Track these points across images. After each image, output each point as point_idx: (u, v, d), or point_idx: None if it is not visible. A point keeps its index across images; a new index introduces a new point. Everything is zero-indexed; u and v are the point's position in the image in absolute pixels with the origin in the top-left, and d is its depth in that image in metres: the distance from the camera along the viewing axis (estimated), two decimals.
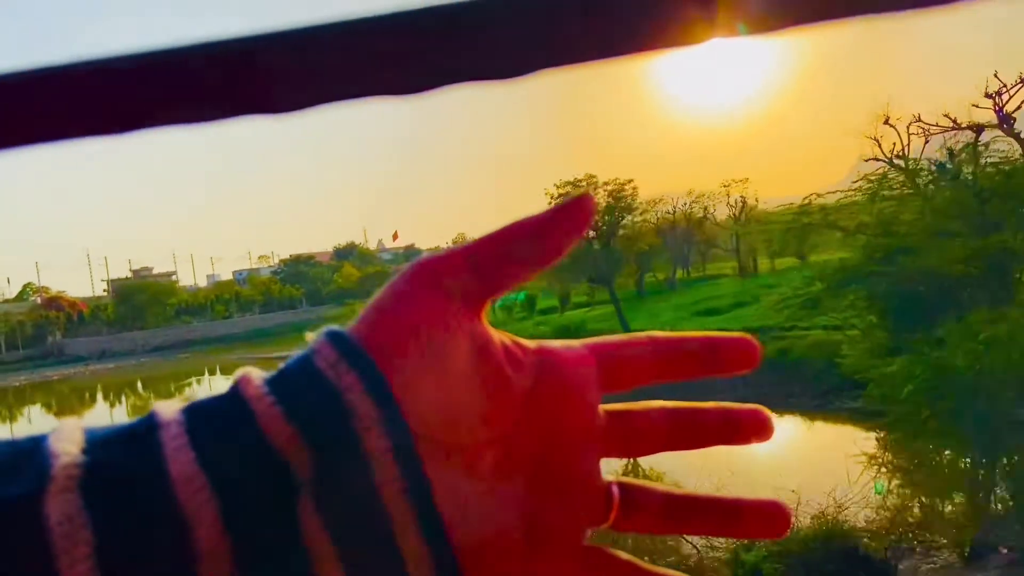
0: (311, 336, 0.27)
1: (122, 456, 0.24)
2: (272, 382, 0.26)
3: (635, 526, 0.30)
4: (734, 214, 31.29)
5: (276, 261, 64.98)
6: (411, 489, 0.25)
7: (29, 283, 67.56)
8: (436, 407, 0.26)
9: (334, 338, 0.26)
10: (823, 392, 14.65)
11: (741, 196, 31.07)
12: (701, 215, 30.62)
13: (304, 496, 0.24)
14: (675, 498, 0.31)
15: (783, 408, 14.31)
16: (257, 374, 0.26)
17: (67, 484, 0.23)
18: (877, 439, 10.94)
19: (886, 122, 13.21)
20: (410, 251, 61.51)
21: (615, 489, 0.30)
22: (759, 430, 0.31)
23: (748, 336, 0.31)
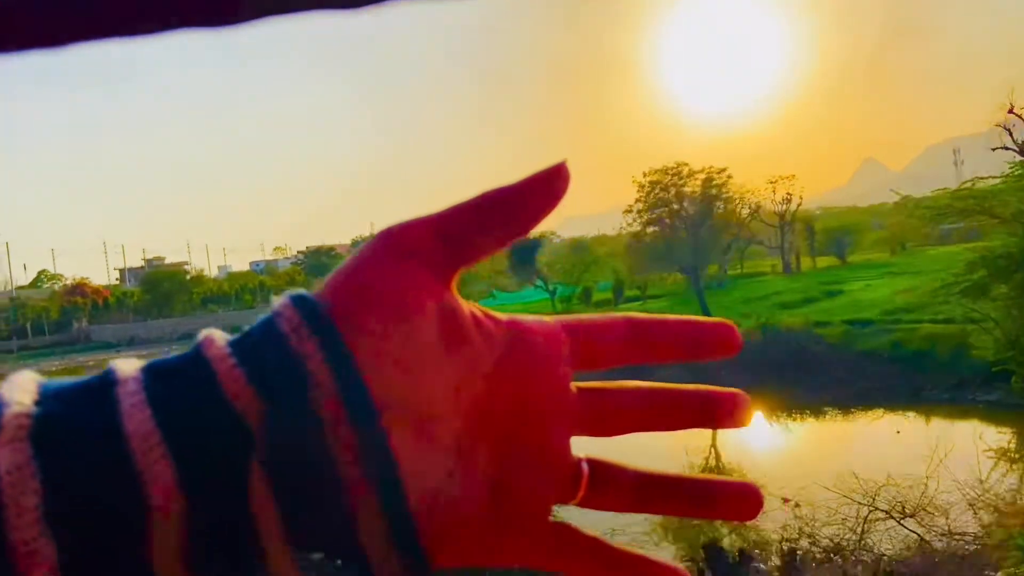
0: (276, 299, 0.26)
1: (76, 409, 0.24)
2: (235, 344, 0.25)
3: (604, 503, 0.30)
4: (780, 211, 31.04)
5: (293, 252, 64.55)
6: (370, 458, 0.24)
7: (44, 270, 67.71)
8: (401, 376, 0.26)
9: (298, 302, 0.26)
10: (955, 385, 14.29)
11: (787, 193, 30.84)
12: (748, 211, 30.32)
13: (256, 461, 0.23)
14: (646, 477, 0.30)
15: (915, 402, 13.98)
16: (220, 335, 0.26)
17: (17, 434, 0.23)
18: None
19: (1011, 111, 12.92)
20: None
21: (585, 466, 0.29)
22: (736, 415, 0.31)
23: (728, 321, 0.31)
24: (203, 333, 0.26)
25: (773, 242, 32.40)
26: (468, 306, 0.28)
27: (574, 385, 0.30)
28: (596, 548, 0.29)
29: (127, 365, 0.25)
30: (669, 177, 25.99)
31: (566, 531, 0.29)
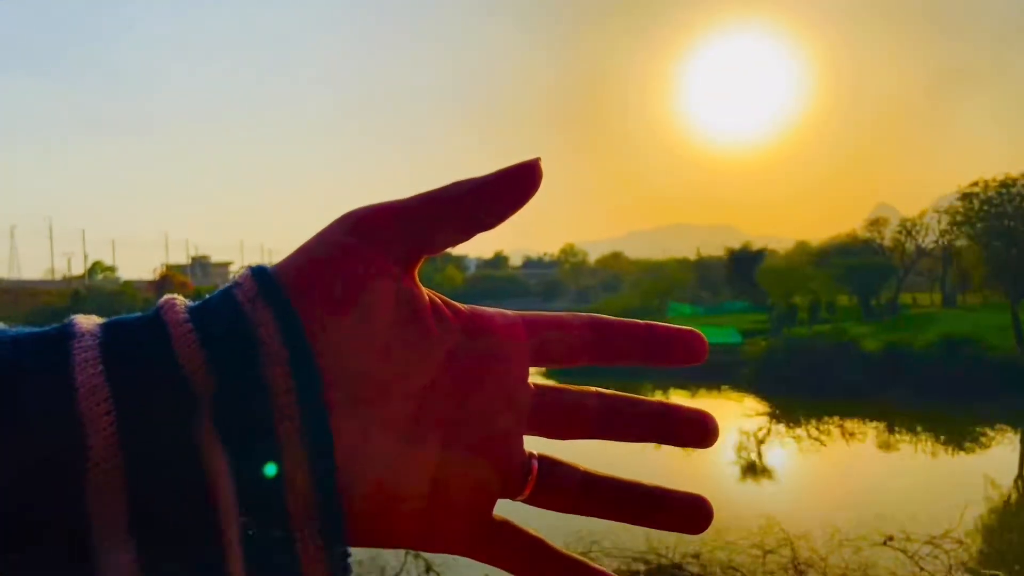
0: (237, 271, 0.27)
1: (29, 359, 0.23)
2: (193, 310, 0.25)
3: (551, 503, 0.30)
4: (944, 242, 29.57)
5: None
6: (308, 431, 0.24)
7: (98, 261, 66.35)
8: (351, 355, 0.26)
9: (256, 274, 0.26)
10: None
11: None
12: (908, 240, 28.83)
13: (206, 427, 0.24)
14: (596, 479, 0.30)
15: None
16: (182, 301, 0.26)
17: None
18: None
19: None
20: (498, 257, 59.65)
21: (535, 463, 0.29)
22: (700, 435, 0.30)
23: (696, 329, 0.30)
24: (165, 297, 0.26)
25: (935, 273, 30.89)
26: (428, 294, 0.28)
27: (532, 382, 0.30)
28: (535, 547, 0.29)
29: (86, 320, 0.25)
30: (1003, 189, 23.79)
31: (507, 527, 0.29)
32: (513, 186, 0.28)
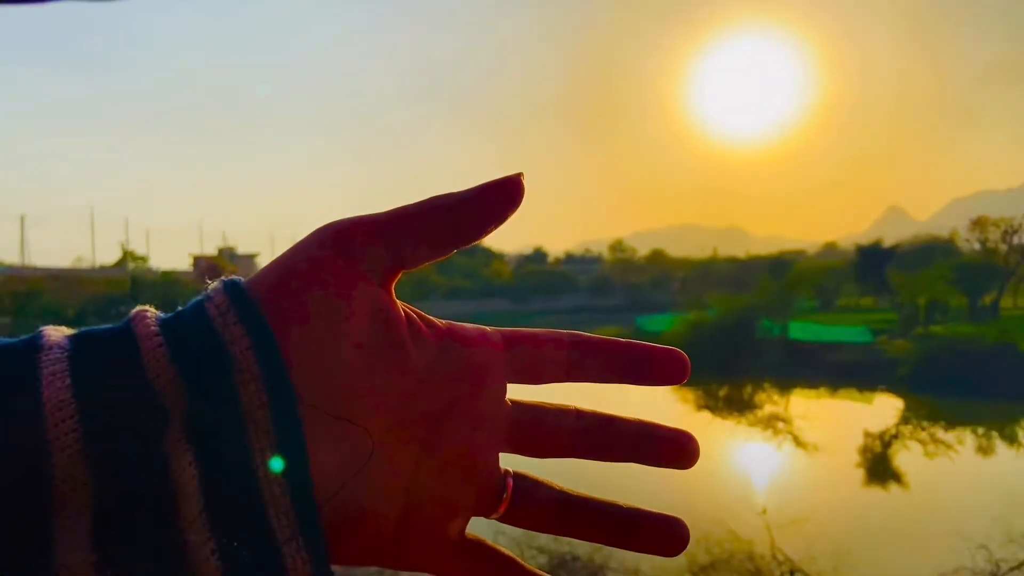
0: (211, 284, 0.26)
1: None
2: (164, 323, 0.25)
3: (526, 521, 0.30)
4: None
5: None
6: (283, 446, 0.24)
7: (129, 251, 65.70)
8: (325, 370, 0.26)
9: (229, 288, 0.26)
10: None
11: None
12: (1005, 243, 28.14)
13: (176, 443, 0.23)
14: (571, 499, 0.30)
15: None
16: (153, 312, 0.26)
17: None
18: None
19: None
20: (538, 253, 58.97)
21: (510, 481, 0.29)
22: (680, 456, 0.30)
23: (679, 350, 0.30)
24: (136, 309, 0.26)
25: None
26: (405, 309, 0.28)
27: (509, 399, 0.29)
28: (508, 567, 0.29)
29: (55, 332, 0.25)
30: None
31: (480, 547, 0.29)
32: (494, 202, 0.27)
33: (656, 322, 24.50)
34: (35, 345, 0.24)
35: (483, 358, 0.29)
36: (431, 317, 0.29)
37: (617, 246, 51.85)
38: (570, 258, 60.42)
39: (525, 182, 0.28)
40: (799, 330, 19.40)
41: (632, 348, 0.30)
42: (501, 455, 0.29)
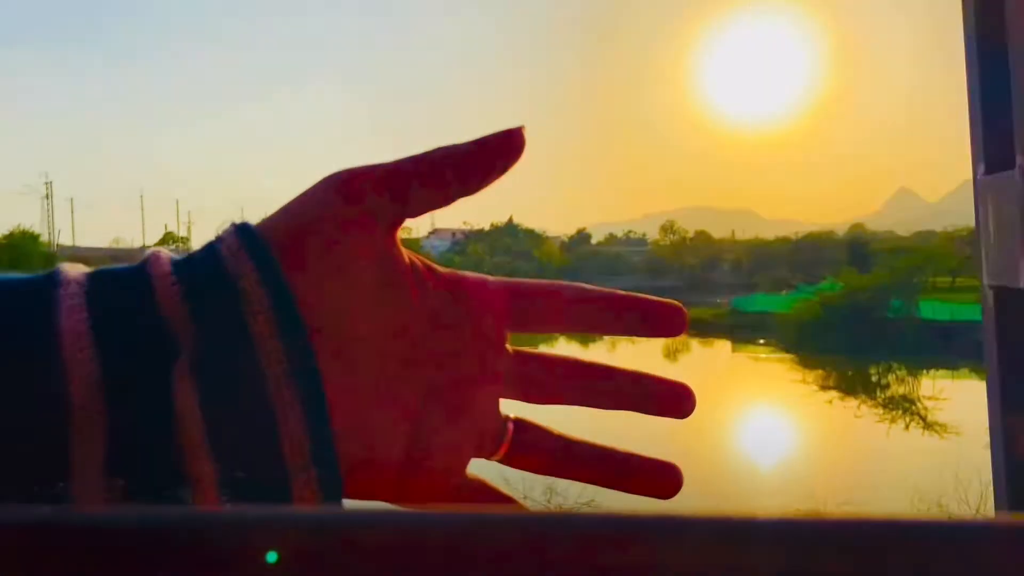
0: (222, 228, 0.27)
1: (15, 303, 0.24)
2: (177, 263, 0.26)
3: (525, 464, 0.31)
4: None
5: (456, 232, 62.45)
6: (297, 373, 0.24)
7: (170, 232, 66.06)
8: (332, 311, 0.26)
9: (240, 230, 0.26)
10: None
11: None
12: None
13: (183, 372, 0.24)
14: (568, 443, 0.31)
15: None
16: (167, 255, 0.26)
17: None
18: None
19: None
20: (582, 234, 58.98)
21: (510, 425, 0.30)
22: (676, 405, 0.31)
23: (678, 303, 0.31)
24: (151, 250, 0.26)
25: None
26: (410, 256, 0.29)
27: (511, 347, 0.30)
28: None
29: (73, 268, 0.25)
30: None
31: (480, 487, 0.30)
32: (496, 153, 0.28)
33: (757, 303, 24.52)
34: (54, 280, 0.24)
35: (486, 306, 0.29)
36: (436, 266, 0.30)
37: (668, 227, 51.81)
38: (616, 240, 60.44)
39: (526, 134, 0.28)
40: (930, 309, 19.36)
41: (634, 300, 0.31)
42: (502, 401, 0.30)
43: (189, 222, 72.81)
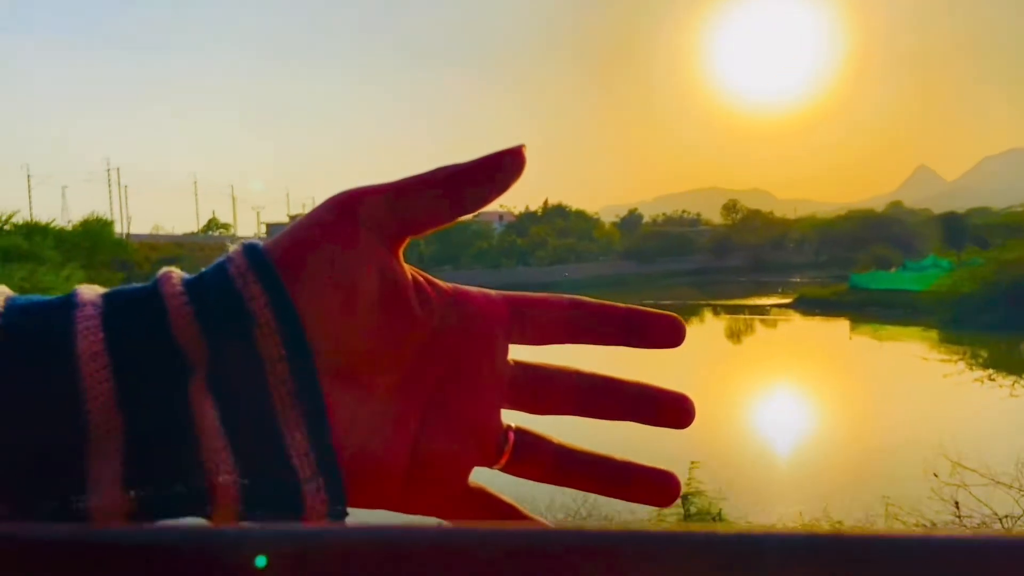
0: (231, 247, 0.28)
1: (35, 325, 0.25)
2: (189, 283, 0.27)
3: (525, 472, 0.31)
4: None
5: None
6: (300, 391, 0.26)
7: (214, 218, 65.53)
8: (336, 329, 0.27)
9: (248, 251, 0.27)
10: None
11: None
12: None
13: (199, 390, 0.25)
14: (567, 452, 0.32)
15: None
16: (178, 274, 0.27)
17: None
18: None
19: None
20: (634, 215, 58.23)
21: (512, 435, 0.31)
22: (677, 416, 0.31)
23: (675, 316, 0.31)
24: (163, 270, 0.27)
25: None
26: (412, 273, 0.30)
27: (512, 359, 0.31)
28: (507, 514, 0.31)
29: (89, 291, 0.27)
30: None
31: (481, 495, 0.31)
32: (496, 172, 0.29)
33: (879, 280, 23.83)
34: (71, 303, 0.25)
35: (485, 320, 0.30)
36: (437, 281, 0.30)
37: (731, 206, 50.95)
38: (670, 220, 59.65)
39: (526, 154, 0.29)
40: None
41: (632, 312, 0.31)
42: (504, 411, 0.31)
43: (235, 208, 72.18)
